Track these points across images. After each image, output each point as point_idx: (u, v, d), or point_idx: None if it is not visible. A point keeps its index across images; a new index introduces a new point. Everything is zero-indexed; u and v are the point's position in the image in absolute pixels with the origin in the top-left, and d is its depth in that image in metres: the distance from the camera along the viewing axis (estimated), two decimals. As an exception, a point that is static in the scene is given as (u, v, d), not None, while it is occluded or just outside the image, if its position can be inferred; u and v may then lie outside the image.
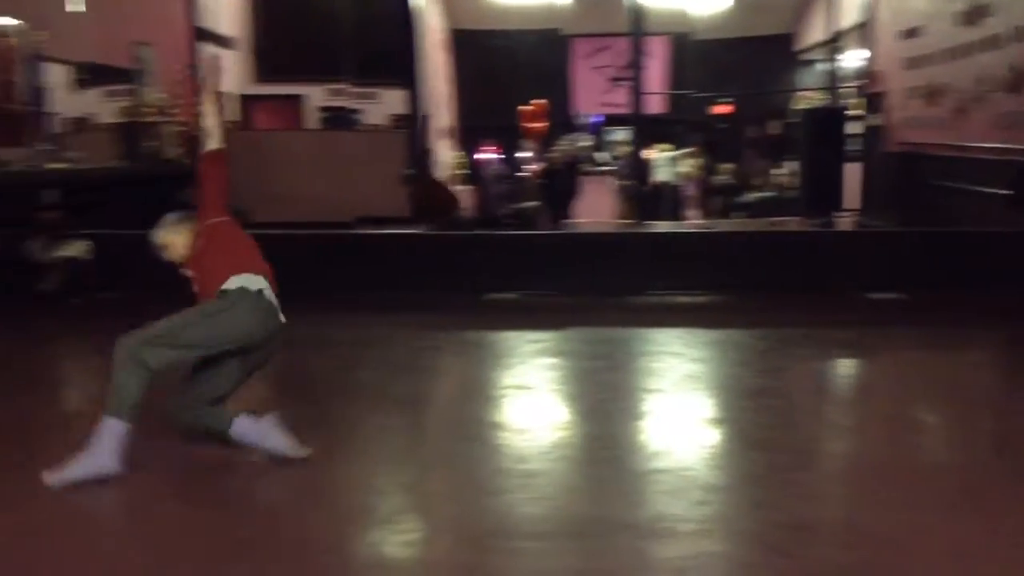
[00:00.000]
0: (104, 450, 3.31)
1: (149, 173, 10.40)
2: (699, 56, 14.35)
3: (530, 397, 4.64)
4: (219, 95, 4.19)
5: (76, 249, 7.31)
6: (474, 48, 14.23)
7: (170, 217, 3.86)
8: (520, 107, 12.61)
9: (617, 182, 12.31)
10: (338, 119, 13.18)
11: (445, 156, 13.01)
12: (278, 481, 3.48)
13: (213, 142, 3.86)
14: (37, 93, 9.11)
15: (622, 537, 2.93)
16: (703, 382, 4.98)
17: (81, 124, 10.58)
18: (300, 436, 3.94)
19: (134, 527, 3.13)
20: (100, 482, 3.27)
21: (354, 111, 13.37)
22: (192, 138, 11.92)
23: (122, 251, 7.51)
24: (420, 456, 3.85)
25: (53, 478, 3.29)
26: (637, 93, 9.67)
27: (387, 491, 3.37)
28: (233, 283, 3.64)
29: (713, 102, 14.42)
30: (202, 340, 3.49)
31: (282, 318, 3.77)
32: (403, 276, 7.38)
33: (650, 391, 4.73)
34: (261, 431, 3.56)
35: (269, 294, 3.72)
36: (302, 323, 6.22)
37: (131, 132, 10.72)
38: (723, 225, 10.77)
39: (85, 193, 9.08)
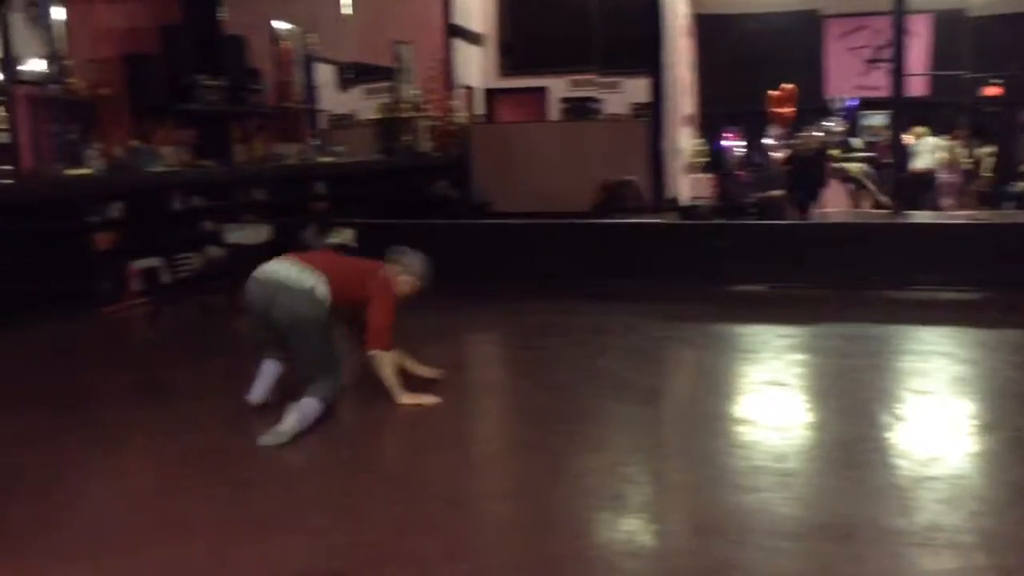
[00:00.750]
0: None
1: (404, 166, 11.02)
2: (968, 34, 13.26)
3: (783, 394, 4.48)
4: None
5: (343, 237, 7.85)
6: (719, 32, 13.90)
7: None
8: (769, 92, 12.21)
9: (871, 170, 11.64)
10: (577, 109, 13.35)
11: (685, 144, 12.82)
12: (523, 465, 3.58)
13: None
14: (309, 92, 9.87)
15: (888, 544, 2.78)
16: (975, 385, 4.61)
17: (345, 120, 11.36)
18: (541, 422, 4.08)
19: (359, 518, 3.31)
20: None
21: (594, 101, 13.48)
22: (443, 132, 12.51)
23: (382, 240, 8.01)
24: (669, 448, 3.83)
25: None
26: (898, 75, 9.06)
27: (637, 480, 3.38)
28: None
29: (983, 83, 13.28)
30: None
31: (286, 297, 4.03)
32: (646, 265, 7.36)
33: (916, 392, 4.43)
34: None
35: (264, 276, 4.11)
36: (545, 311, 6.46)
37: (389, 127, 11.40)
38: (993, 216, 9.91)
39: (349, 184, 9.76)
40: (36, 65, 6.74)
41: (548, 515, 3.08)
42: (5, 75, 6.65)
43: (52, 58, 6.72)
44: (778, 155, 11.65)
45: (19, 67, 6.65)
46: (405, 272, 4.42)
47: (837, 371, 4.86)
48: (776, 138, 12.33)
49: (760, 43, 13.68)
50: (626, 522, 3.00)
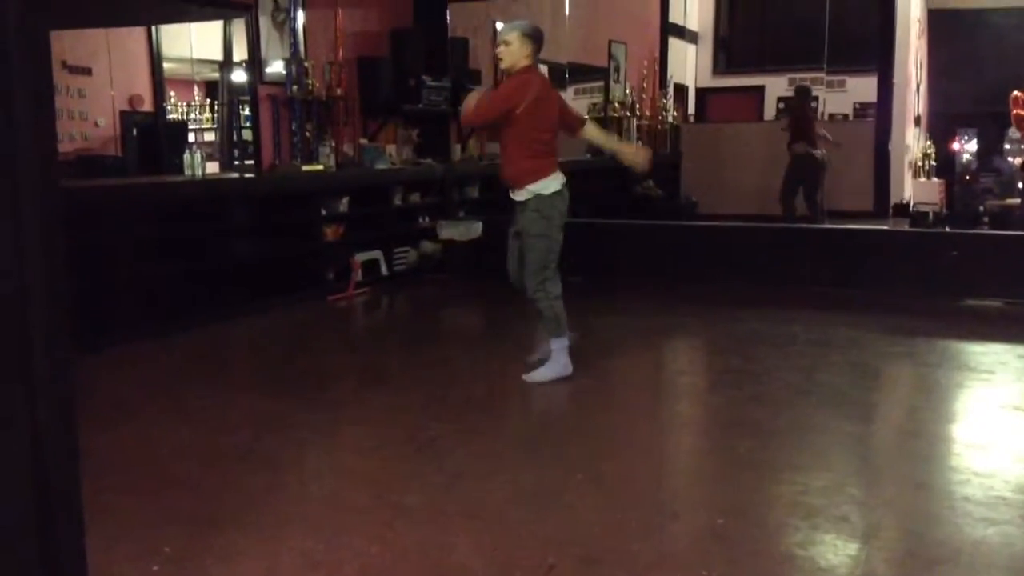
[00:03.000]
0: (561, 360, 4.59)
1: (612, 166, 10.99)
2: None
3: (1025, 420, 4.14)
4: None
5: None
6: (955, 28, 12.99)
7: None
8: (1014, 93, 11.31)
9: None
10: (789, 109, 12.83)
11: (913, 146, 12.09)
12: (738, 478, 3.48)
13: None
14: (524, 92, 10.02)
15: None
16: None
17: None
18: (756, 435, 3.94)
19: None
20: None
21: (814, 99, 12.92)
22: (653, 131, 12.40)
23: (587, 239, 8.06)
24: (897, 470, 3.61)
25: (531, 377, 4.60)
26: None
27: (865, 503, 3.20)
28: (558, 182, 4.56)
29: None
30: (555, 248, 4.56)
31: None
32: (872, 275, 6.99)
33: None
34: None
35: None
36: (761, 319, 6.26)
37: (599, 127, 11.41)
38: None
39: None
40: (278, 67, 7.22)
41: (766, 531, 2.97)
42: (251, 76, 7.18)
43: (293, 60, 7.17)
44: (1016, 161, 10.79)
45: (263, 69, 7.15)
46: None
47: (1090, 399, 4.42)
48: (1015, 142, 11.41)
49: (1003, 40, 12.66)
50: (852, 546, 2.85)
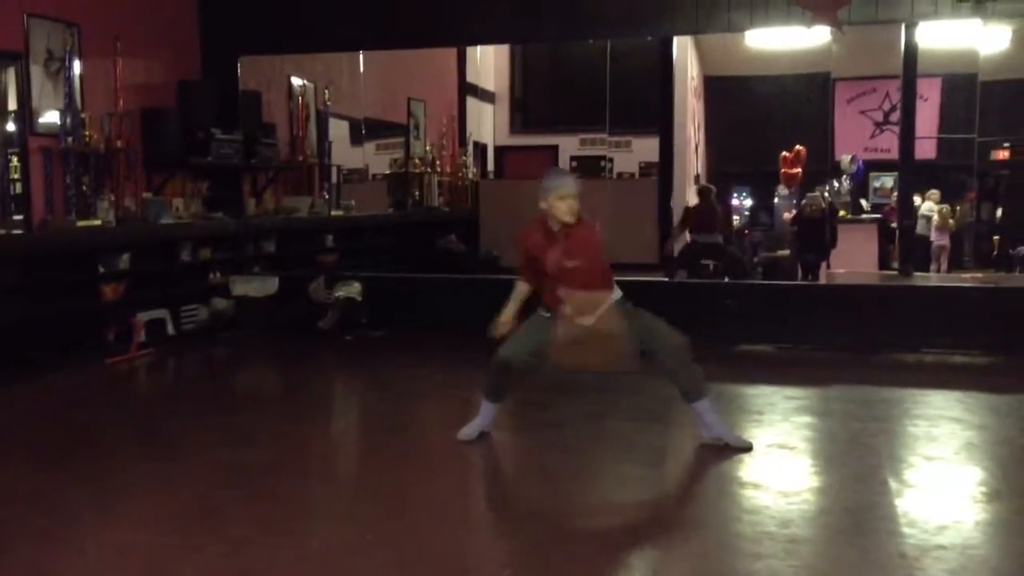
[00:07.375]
0: None
1: (414, 221, 11.09)
2: (979, 99, 13.33)
3: (790, 458, 4.44)
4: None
5: (350, 290, 7.88)
6: (727, 94, 14.05)
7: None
8: (781, 153, 12.32)
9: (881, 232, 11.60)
10: (586, 167, 13.43)
11: (693, 203, 12.90)
12: (526, 528, 3.52)
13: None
14: (322, 146, 9.96)
15: (898, 618, 2.71)
16: (986, 452, 4.54)
17: (356, 175, 11.44)
18: (548, 483, 4.03)
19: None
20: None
21: (601, 159, 13.57)
22: (453, 187, 12.61)
23: (390, 293, 8.04)
24: (674, 512, 3.77)
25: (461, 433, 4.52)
26: (907, 138, 9.10)
27: (642, 546, 3.32)
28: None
29: (993, 147, 13.31)
30: None
31: None
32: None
33: (926, 458, 4.36)
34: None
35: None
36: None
37: (400, 182, 11.50)
38: (1002, 279, 9.87)
39: (358, 238, 9.82)
40: (52, 117, 6.82)
41: (551, 579, 3.02)
42: (19, 127, 6.73)
43: (68, 111, 6.80)
44: (786, 215, 11.71)
45: (35, 119, 6.73)
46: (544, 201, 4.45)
47: (846, 435, 4.80)
48: (784, 198, 12.40)
49: (770, 105, 13.79)
50: (629, 589, 2.94)
